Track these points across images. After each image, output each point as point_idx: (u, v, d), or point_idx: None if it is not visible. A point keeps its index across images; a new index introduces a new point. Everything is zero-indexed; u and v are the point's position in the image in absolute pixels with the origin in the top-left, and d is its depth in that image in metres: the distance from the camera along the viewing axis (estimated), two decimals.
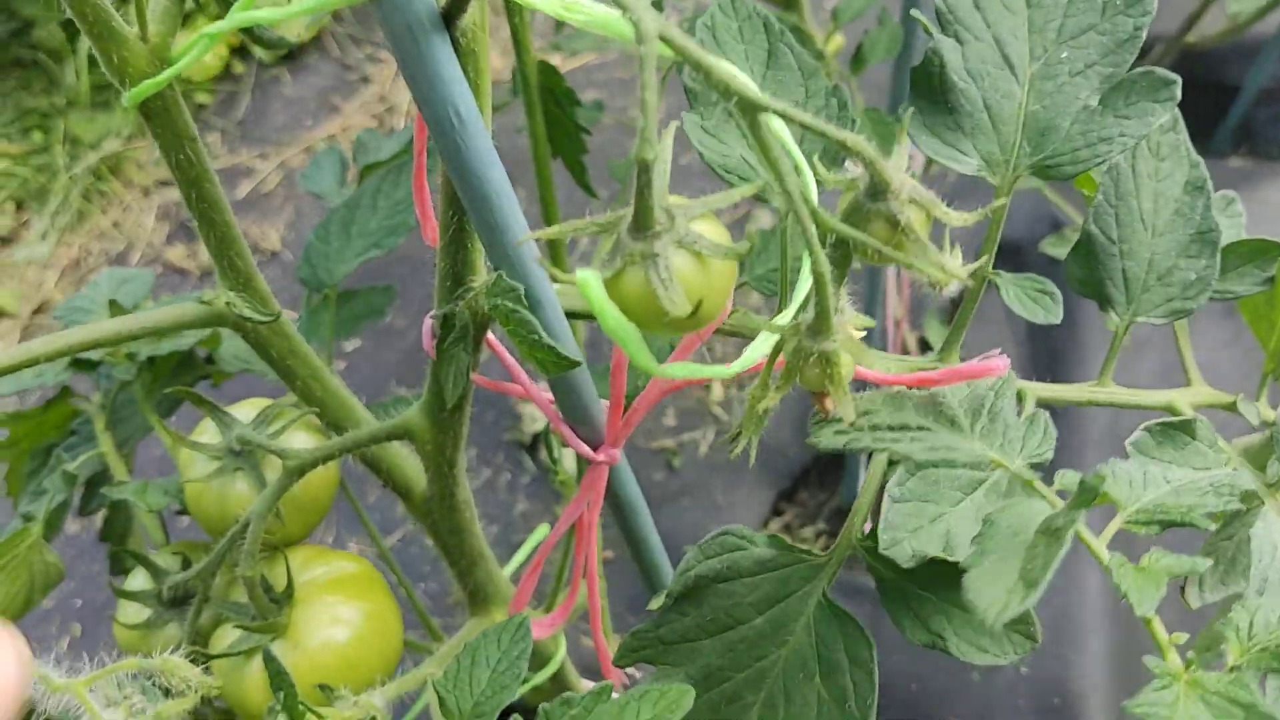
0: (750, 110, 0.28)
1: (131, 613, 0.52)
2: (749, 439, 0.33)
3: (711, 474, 1.50)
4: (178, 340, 0.56)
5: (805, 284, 0.36)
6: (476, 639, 0.43)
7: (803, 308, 0.32)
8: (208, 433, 0.52)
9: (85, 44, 1.66)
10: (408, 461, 0.56)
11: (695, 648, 0.44)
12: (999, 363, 0.39)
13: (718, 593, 0.43)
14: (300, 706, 0.41)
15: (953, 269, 0.30)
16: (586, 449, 0.48)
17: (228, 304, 0.45)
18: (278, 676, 0.41)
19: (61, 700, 0.33)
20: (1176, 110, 0.42)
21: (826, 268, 0.29)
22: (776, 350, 0.32)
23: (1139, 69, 0.41)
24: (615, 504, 0.54)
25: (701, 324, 0.30)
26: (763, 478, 1.50)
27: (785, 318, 0.36)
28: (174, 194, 1.75)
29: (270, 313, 0.46)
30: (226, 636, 0.50)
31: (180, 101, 0.41)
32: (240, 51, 1.86)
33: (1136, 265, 0.45)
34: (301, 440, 0.52)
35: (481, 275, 0.44)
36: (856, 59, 0.87)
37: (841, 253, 0.32)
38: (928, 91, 0.44)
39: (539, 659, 0.68)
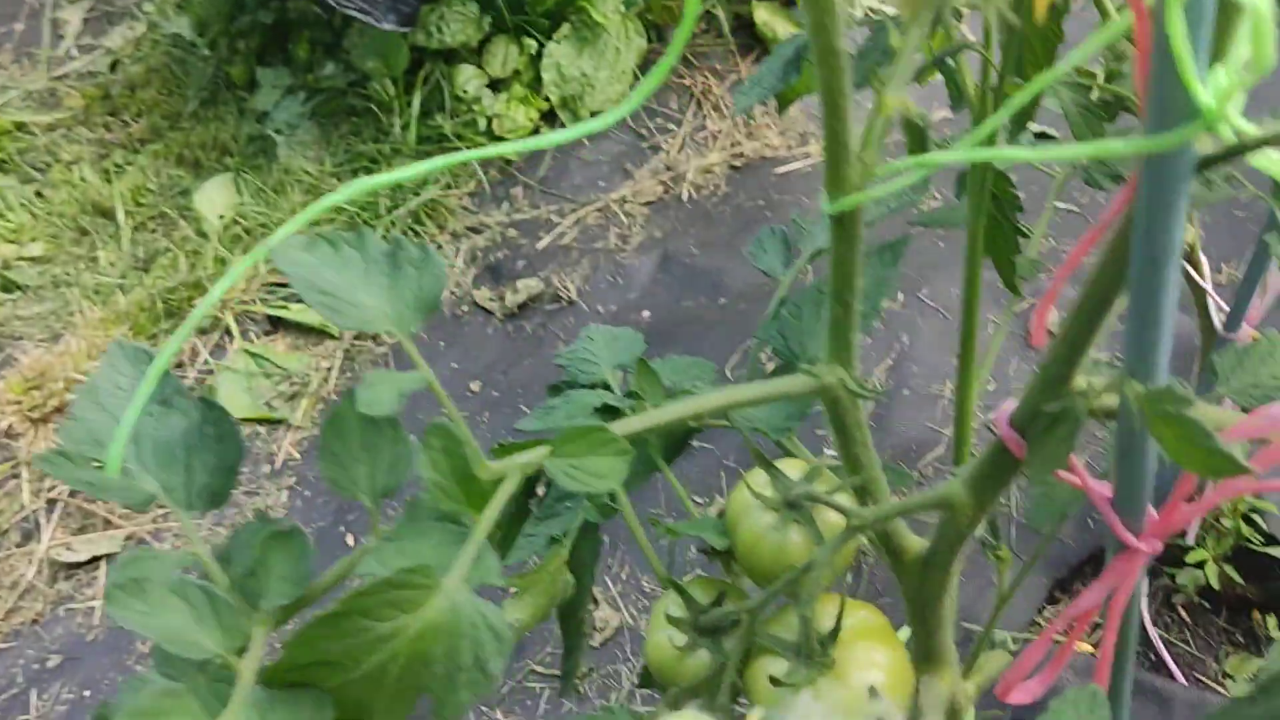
0: None
1: (667, 637, 0.60)
2: None
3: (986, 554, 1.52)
4: None
5: None
6: (1056, 704, 0.48)
7: None
8: (757, 485, 0.60)
9: (416, 99, 1.85)
10: (904, 528, 0.62)
11: None
12: None
13: None
14: None
15: None
16: (1130, 537, 0.53)
17: (840, 380, 0.52)
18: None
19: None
20: None
21: None
22: None
23: None
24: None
25: None
26: (1038, 565, 1.50)
27: None
28: (481, 240, 1.91)
29: (875, 390, 0.52)
30: (768, 667, 0.57)
31: (861, 211, 0.48)
32: (548, 116, 2.02)
33: None
34: (841, 501, 0.58)
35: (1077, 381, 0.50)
36: None
37: None
38: None
39: None
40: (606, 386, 0.74)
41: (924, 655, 0.68)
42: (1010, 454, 0.54)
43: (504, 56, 1.98)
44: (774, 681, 0.55)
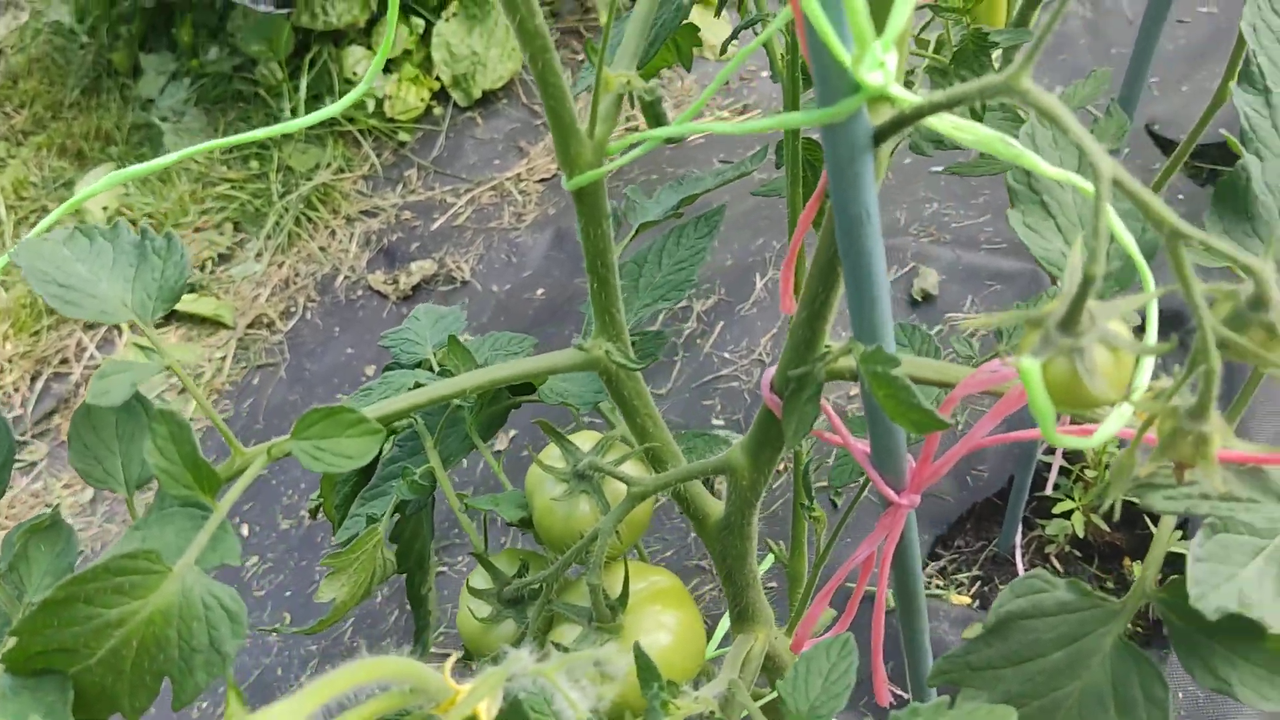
0: (1174, 238, 0.35)
1: (474, 608, 0.61)
2: (1115, 498, 0.40)
3: (873, 514, 1.55)
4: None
5: (1145, 369, 0.43)
6: (809, 652, 0.51)
7: (1174, 391, 0.39)
8: (550, 458, 0.61)
9: (303, 81, 1.81)
10: (705, 493, 0.64)
11: (998, 675, 0.50)
12: None
13: (1021, 628, 0.50)
14: (665, 695, 0.49)
15: None
16: (891, 492, 0.55)
17: (606, 353, 0.54)
18: (647, 670, 0.49)
19: (527, 684, 0.40)
20: None
21: (1217, 365, 0.35)
22: (1146, 424, 0.39)
23: None
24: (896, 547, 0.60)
25: (1104, 405, 0.37)
26: (920, 523, 1.55)
27: (1138, 396, 0.42)
28: (375, 224, 1.90)
29: (639, 362, 0.54)
30: (565, 634, 0.59)
31: (604, 186, 0.50)
32: (440, 95, 2.00)
33: None
34: (631, 470, 0.60)
35: (823, 345, 0.52)
36: None
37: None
38: (1231, 200, 0.50)
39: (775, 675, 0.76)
40: (431, 367, 0.75)
41: (737, 615, 0.70)
42: (775, 418, 0.56)
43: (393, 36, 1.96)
44: (562, 649, 0.57)
